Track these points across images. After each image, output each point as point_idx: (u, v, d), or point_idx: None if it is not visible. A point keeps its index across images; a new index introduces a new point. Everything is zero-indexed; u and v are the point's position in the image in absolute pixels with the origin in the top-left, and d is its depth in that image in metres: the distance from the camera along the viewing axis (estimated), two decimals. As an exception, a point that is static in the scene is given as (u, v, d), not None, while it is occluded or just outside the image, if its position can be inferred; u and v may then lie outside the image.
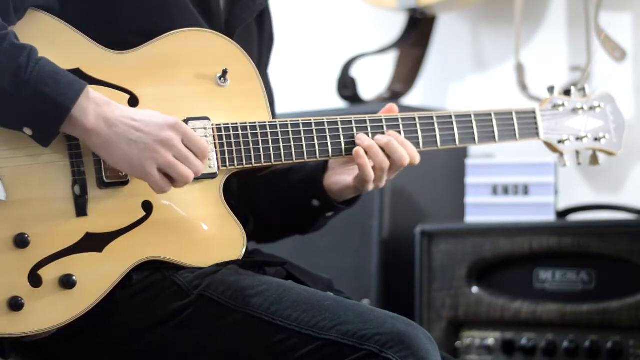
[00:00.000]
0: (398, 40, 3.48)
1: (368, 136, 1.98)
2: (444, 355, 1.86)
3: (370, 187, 2.00)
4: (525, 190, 3.01)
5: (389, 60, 3.57)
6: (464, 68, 3.56)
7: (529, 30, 3.40)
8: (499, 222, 2.96)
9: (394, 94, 3.43)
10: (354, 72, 3.39)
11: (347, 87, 3.37)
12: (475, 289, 2.91)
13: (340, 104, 3.42)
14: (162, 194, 1.79)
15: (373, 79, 3.58)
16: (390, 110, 2.04)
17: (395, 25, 3.55)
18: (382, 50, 3.48)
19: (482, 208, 3.04)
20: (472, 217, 3.04)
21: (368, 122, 1.99)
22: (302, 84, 3.78)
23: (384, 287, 3.07)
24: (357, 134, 1.98)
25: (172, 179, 1.78)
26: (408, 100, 3.48)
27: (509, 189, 3.03)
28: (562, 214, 3.07)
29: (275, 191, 2.12)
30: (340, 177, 2.05)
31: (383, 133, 2.00)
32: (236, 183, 2.05)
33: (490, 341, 2.88)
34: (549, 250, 2.83)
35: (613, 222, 2.91)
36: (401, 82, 3.46)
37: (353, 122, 1.98)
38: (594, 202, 3.17)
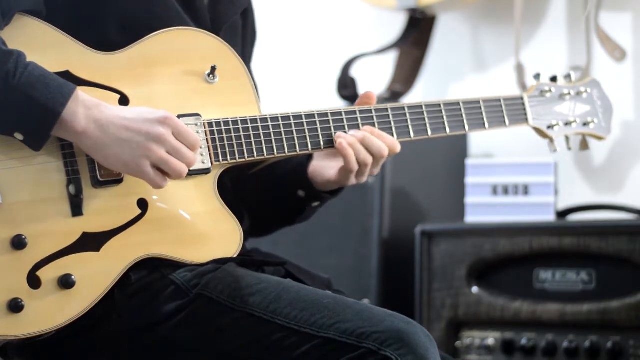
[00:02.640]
0: (398, 40, 3.48)
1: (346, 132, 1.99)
2: (442, 355, 1.86)
3: (353, 181, 2.01)
4: (525, 190, 3.01)
5: (389, 60, 3.57)
6: (464, 68, 3.56)
7: (529, 30, 3.40)
8: (499, 222, 2.96)
9: (394, 94, 3.43)
10: (354, 72, 3.39)
11: (347, 87, 3.37)
12: (475, 289, 2.91)
13: (340, 104, 3.42)
14: (159, 189, 1.80)
15: (373, 79, 3.58)
16: (368, 97, 2.03)
17: (395, 25, 3.55)
18: (382, 50, 3.48)
19: (482, 208, 3.04)
20: (472, 217, 3.04)
21: (358, 112, 2.00)
22: (302, 84, 3.78)
23: (384, 287, 3.06)
24: (347, 125, 1.98)
25: (166, 174, 1.79)
26: (408, 100, 3.48)
27: (509, 189, 3.03)
28: (562, 214, 3.07)
29: (262, 184, 2.12)
30: (323, 169, 2.06)
31: (374, 124, 2.00)
32: (229, 180, 2.05)
33: (490, 341, 2.88)
34: (549, 250, 2.83)
35: (613, 222, 2.91)
36: (401, 82, 3.46)
37: (343, 114, 1.99)
38: (594, 202, 3.17)
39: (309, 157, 2.07)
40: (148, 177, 1.77)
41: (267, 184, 2.11)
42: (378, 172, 2.04)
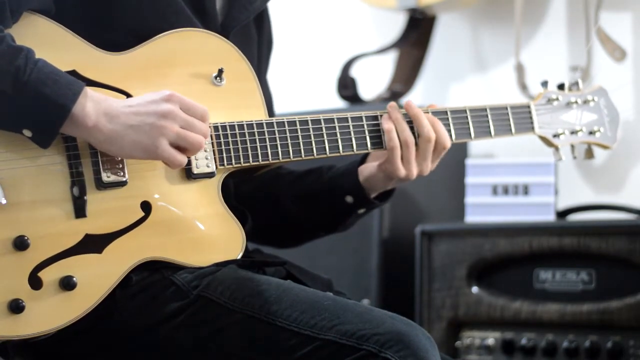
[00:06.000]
0: (398, 40, 3.48)
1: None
2: (442, 356, 1.86)
3: (400, 169, 2.01)
4: (525, 190, 3.01)
5: (389, 60, 3.58)
6: (464, 68, 3.56)
7: (529, 30, 3.40)
8: (499, 222, 2.96)
9: (394, 94, 3.43)
10: (354, 72, 3.39)
11: (347, 87, 3.37)
12: (475, 289, 2.91)
13: (340, 104, 3.42)
14: (180, 167, 1.80)
15: (373, 79, 3.58)
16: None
17: (395, 25, 3.55)
18: (382, 50, 3.49)
19: (482, 208, 3.04)
20: (472, 217, 3.04)
21: (364, 118, 2.00)
22: (302, 84, 3.78)
23: (384, 287, 3.07)
24: (353, 131, 1.99)
25: (184, 150, 1.79)
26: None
27: (509, 189, 3.03)
28: (562, 214, 3.07)
29: (305, 191, 2.13)
30: (371, 162, 2.07)
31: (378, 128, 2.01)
32: (232, 183, 2.05)
33: (490, 341, 2.89)
34: (549, 250, 2.83)
35: (613, 222, 2.91)
36: (401, 82, 3.46)
37: (349, 120, 1.99)
38: (594, 202, 3.17)
39: (362, 161, 2.09)
40: (168, 154, 1.76)
41: (311, 191, 2.12)
42: (433, 169, 2.05)
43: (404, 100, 3.40)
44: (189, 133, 1.78)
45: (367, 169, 2.07)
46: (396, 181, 2.05)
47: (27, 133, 1.72)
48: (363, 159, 2.10)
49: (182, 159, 1.78)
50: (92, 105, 1.73)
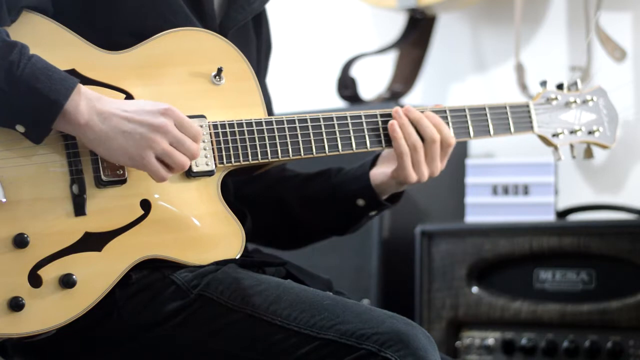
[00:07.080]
0: (398, 40, 3.48)
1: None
2: (442, 356, 1.86)
3: (412, 175, 2.01)
4: (525, 190, 3.01)
5: (389, 60, 3.58)
6: (464, 68, 3.56)
7: (529, 30, 3.40)
8: (499, 222, 2.96)
9: (394, 94, 3.43)
10: (354, 72, 3.39)
11: (347, 87, 3.37)
12: (475, 289, 2.91)
13: (340, 104, 3.42)
14: (162, 182, 1.79)
15: (373, 79, 3.58)
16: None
17: (395, 25, 3.55)
18: (382, 50, 3.49)
19: (482, 208, 3.04)
20: (472, 217, 3.04)
21: (363, 117, 2.00)
22: (302, 84, 3.78)
23: (384, 287, 3.06)
24: (352, 130, 1.98)
25: (169, 167, 1.78)
26: (408, 100, 3.48)
27: (509, 189, 3.03)
28: (562, 214, 3.07)
29: (314, 194, 2.13)
30: (382, 169, 2.06)
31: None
32: (232, 183, 2.05)
33: (490, 341, 2.89)
34: (549, 250, 2.83)
35: (613, 222, 2.91)
36: (401, 82, 3.46)
37: (348, 118, 1.99)
38: (594, 202, 3.17)
39: (372, 164, 2.08)
40: (152, 168, 1.76)
41: (321, 194, 2.12)
42: (443, 168, 2.05)
43: (404, 100, 3.43)
44: (175, 152, 1.77)
45: (378, 178, 2.07)
46: (408, 184, 2.06)
47: (20, 128, 1.72)
48: (372, 162, 2.10)
49: (165, 175, 1.78)
50: (85, 103, 1.73)
